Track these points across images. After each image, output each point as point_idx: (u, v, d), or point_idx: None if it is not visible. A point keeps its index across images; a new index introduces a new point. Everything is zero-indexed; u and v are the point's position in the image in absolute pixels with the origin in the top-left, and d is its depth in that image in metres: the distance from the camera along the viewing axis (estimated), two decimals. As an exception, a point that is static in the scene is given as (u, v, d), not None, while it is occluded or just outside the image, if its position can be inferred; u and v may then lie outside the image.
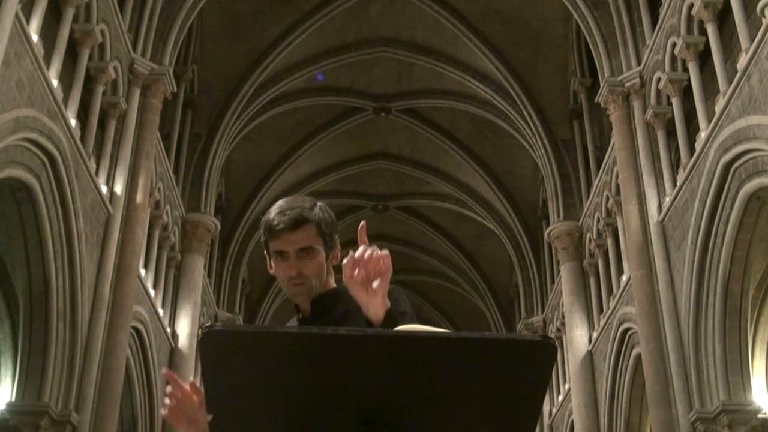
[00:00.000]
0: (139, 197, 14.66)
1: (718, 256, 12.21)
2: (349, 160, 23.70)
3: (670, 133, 14.51)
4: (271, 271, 2.36)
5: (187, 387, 2.12)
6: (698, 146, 12.75)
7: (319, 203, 2.36)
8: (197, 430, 2.15)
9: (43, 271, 12.04)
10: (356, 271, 1.97)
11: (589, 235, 18.24)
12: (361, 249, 1.99)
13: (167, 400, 2.13)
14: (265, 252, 2.36)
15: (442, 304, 28.85)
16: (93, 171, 13.37)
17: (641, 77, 15.18)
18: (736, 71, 11.49)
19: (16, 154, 10.84)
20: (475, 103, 21.03)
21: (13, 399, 11.91)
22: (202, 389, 1.74)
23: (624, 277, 15.81)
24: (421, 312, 28.31)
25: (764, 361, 12.92)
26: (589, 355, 17.63)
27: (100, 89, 14.07)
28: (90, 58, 13.68)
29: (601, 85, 15.91)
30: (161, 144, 16.64)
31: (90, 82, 13.85)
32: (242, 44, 19.34)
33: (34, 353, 12.01)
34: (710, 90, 12.94)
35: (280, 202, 2.34)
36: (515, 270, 23.51)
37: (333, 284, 2.37)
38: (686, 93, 13.89)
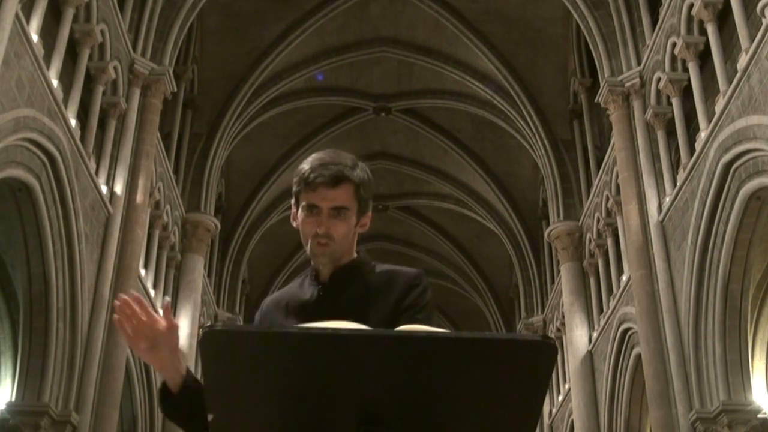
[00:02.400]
0: (139, 197, 14.66)
1: (718, 256, 12.20)
2: (349, 161, 23.67)
3: (670, 133, 14.51)
4: (295, 224, 2.23)
5: (154, 315, 2.07)
6: (698, 146, 12.75)
7: (360, 163, 2.23)
8: (157, 361, 2.08)
9: (43, 271, 12.04)
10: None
11: (589, 235, 18.25)
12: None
13: (120, 306, 2.06)
14: (293, 202, 2.22)
15: (442, 304, 28.83)
16: (93, 171, 13.37)
17: (641, 77, 15.18)
18: (736, 71, 11.49)
19: (16, 154, 10.84)
20: (475, 103, 21.03)
21: (13, 399, 11.91)
22: (203, 384, 1.72)
23: (624, 277, 15.80)
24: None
25: (764, 361, 12.93)
26: (589, 355, 17.63)
27: (100, 89, 14.07)
28: (90, 58, 13.68)
29: (601, 85, 15.91)
30: (161, 144, 16.64)
31: (90, 82, 13.85)
32: (242, 44, 19.35)
33: (34, 353, 12.01)
34: (710, 90, 12.94)
35: (319, 154, 2.20)
36: (515, 270, 23.51)
37: (354, 254, 2.26)
38: (686, 93, 13.88)
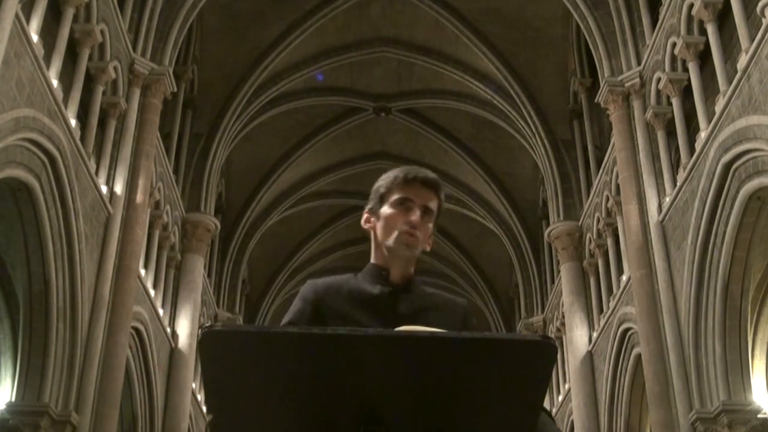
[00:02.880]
0: (139, 197, 14.66)
1: (718, 256, 12.21)
2: (349, 160, 23.71)
3: (670, 133, 14.51)
4: (367, 225, 2.29)
5: None
6: (698, 146, 12.75)
7: None
8: None
9: (43, 271, 12.04)
10: None
11: (589, 235, 18.25)
12: None
13: None
14: (371, 206, 2.30)
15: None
16: (93, 171, 13.37)
17: (641, 77, 15.18)
18: (736, 71, 11.49)
19: (16, 154, 10.84)
20: (475, 103, 21.04)
21: (13, 399, 11.91)
22: (202, 389, 1.72)
23: (624, 277, 15.81)
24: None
25: (764, 361, 12.92)
26: (589, 355, 17.63)
27: (100, 89, 14.06)
28: (90, 58, 13.68)
29: (601, 85, 15.91)
30: (161, 144, 16.64)
31: (90, 82, 13.85)
32: (242, 44, 19.35)
33: (34, 353, 12.00)
34: (710, 90, 12.94)
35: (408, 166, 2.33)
36: (515, 270, 23.51)
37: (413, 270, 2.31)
38: (686, 93, 13.89)
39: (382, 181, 2.29)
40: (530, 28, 19.26)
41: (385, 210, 2.24)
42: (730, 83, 11.62)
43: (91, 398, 12.71)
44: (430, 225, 2.26)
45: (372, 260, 2.28)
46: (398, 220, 2.22)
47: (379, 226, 2.25)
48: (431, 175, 2.27)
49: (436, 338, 1.64)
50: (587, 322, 18.02)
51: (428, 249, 2.31)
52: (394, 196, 2.24)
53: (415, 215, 2.21)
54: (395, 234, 2.21)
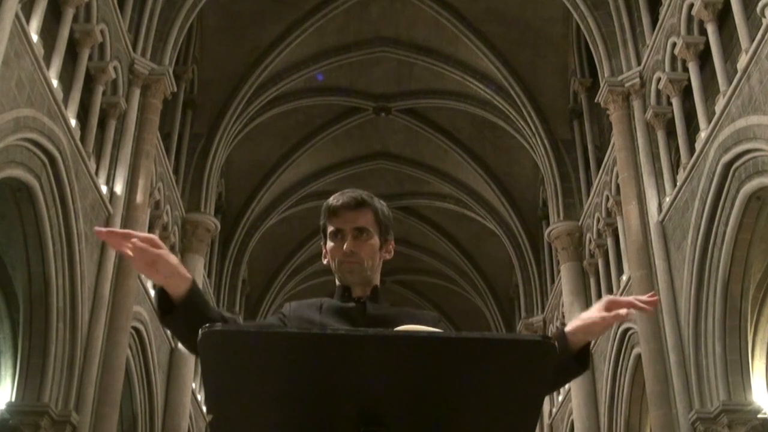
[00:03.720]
0: (139, 197, 14.65)
1: (718, 256, 12.20)
2: (349, 160, 23.71)
3: (670, 133, 14.51)
4: (325, 261, 2.39)
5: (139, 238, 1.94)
6: (698, 146, 12.75)
7: (377, 198, 2.42)
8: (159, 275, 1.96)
9: (43, 271, 12.04)
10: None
11: (589, 235, 18.25)
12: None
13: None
14: (322, 242, 2.39)
15: (442, 304, 28.86)
16: (93, 171, 13.37)
17: (641, 77, 15.18)
18: (736, 71, 11.49)
19: (16, 154, 10.84)
20: (475, 103, 21.03)
21: (13, 399, 11.91)
22: (202, 389, 1.72)
23: (624, 277, 15.80)
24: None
25: (764, 361, 12.92)
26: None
27: (100, 89, 14.06)
28: (90, 58, 13.67)
29: (601, 85, 15.91)
30: (161, 144, 16.64)
31: (90, 82, 13.84)
32: (242, 44, 19.34)
33: (34, 353, 12.00)
34: (710, 90, 12.94)
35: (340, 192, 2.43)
36: (515, 270, 23.50)
37: (378, 281, 2.38)
38: (686, 93, 13.88)
39: (321, 216, 2.40)
40: (530, 28, 19.26)
41: (328, 244, 2.36)
42: (730, 83, 11.61)
43: (91, 398, 12.71)
44: (372, 241, 2.32)
45: (337, 283, 2.38)
46: (336, 252, 2.33)
47: (329, 258, 2.36)
48: (353, 196, 2.34)
49: (436, 338, 1.64)
50: (587, 322, 17.98)
51: (389, 257, 2.41)
52: (329, 230, 2.35)
53: (347, 243, 2.30)
54: (337, 263, 2.33)
